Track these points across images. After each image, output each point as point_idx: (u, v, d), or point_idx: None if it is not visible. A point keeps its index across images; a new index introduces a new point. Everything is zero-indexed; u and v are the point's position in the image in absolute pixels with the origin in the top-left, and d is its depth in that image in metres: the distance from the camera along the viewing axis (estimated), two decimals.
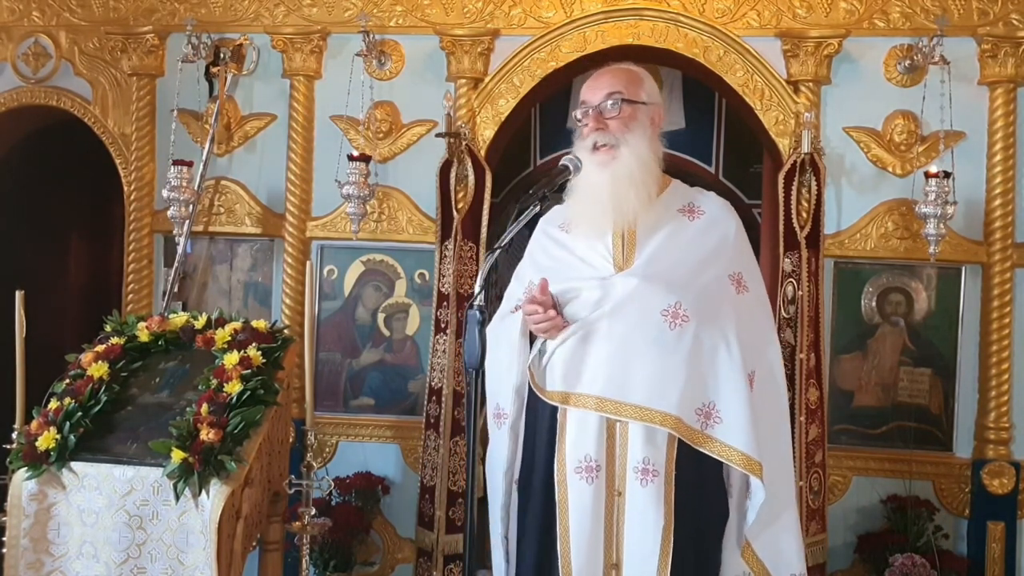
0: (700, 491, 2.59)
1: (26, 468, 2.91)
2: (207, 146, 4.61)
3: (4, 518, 2.97)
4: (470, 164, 4.44)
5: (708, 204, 2.76)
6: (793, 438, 4.10)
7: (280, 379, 3.14)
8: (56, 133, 5.24)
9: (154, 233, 4.84)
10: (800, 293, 4.16)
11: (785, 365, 4.12)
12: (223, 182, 4.77)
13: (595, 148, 2.63)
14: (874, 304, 4.43)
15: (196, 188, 4.55)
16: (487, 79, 4.54)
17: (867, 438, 4.41)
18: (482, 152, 4.49)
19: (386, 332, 4.70)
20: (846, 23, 4.35)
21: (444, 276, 4.43)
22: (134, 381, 3.17)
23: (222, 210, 4.77)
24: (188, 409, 2.95)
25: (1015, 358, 4.29)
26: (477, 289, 2.41)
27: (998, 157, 4.28)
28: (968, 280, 4.35)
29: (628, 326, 2.53)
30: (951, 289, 4.38)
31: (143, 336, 3.27)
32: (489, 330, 2.52)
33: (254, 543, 3.17)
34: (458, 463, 4.33)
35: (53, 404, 3.02)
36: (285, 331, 3.36)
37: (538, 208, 2.51)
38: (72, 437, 2.91)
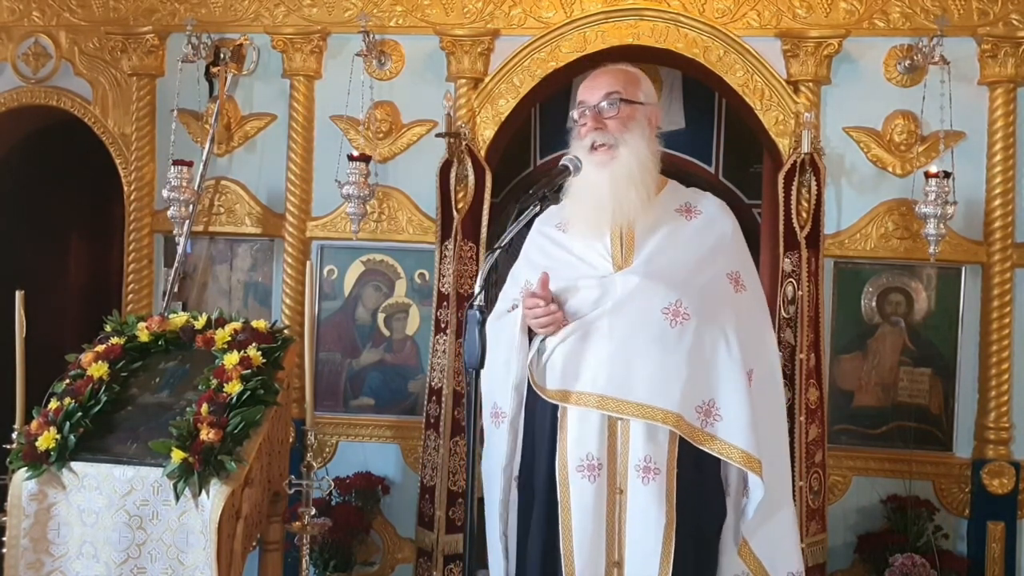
0: (699, 489, 2.60)
1: (26, 468, 2.91)
2: (207, 146, 4.61)
3: (4, 518, 2.97)
4: (470, 164, 4.44)
5: (705, 204, 2.78)
6: (793, 438, 4.10)
7: (280, 379, 3.15)
8: (56, 133, 5.24)
9: (154, 233, 4.84)
10: (800, 293, 4.16)
11: (785, 365, 4.17)
12: (223, 182, 4.77)
13: (593, 148, 2.64)
14: (874, 304, 4.43)
15: (196, 188, 4.56)
16: (487, 79, 4.54)
17: (867, 438, 4.41)
18: (482, 152, 4.49)
19: (386, 332, 4.70)
20: (846, 23, 4.35)
21: (444, 276, 4.44)
22: (134, 381, 3.17)
23: (222, 210, 4.77)
24: (188, 409, 2.95)
25: (1015, 358, 4.29)
26: (477, 289, 2.42)
27: (998, 157, 4.28)
28: (968, 280, 4.35)
29: (629, 324, 2.54)
30: (951, 289, 4.38)
31: (143, 336, 3.27)
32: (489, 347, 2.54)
33: (254, 543, 3.17)
34: (458, 463, 4.33)
35: (53, 404, 3.02)
36: (285, 331, 3.36)
37: (538, 208, 2.51)
38: (72, 437, 2.91)
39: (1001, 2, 4.26)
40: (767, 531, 2.67)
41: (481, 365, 2.36)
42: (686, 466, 2.57)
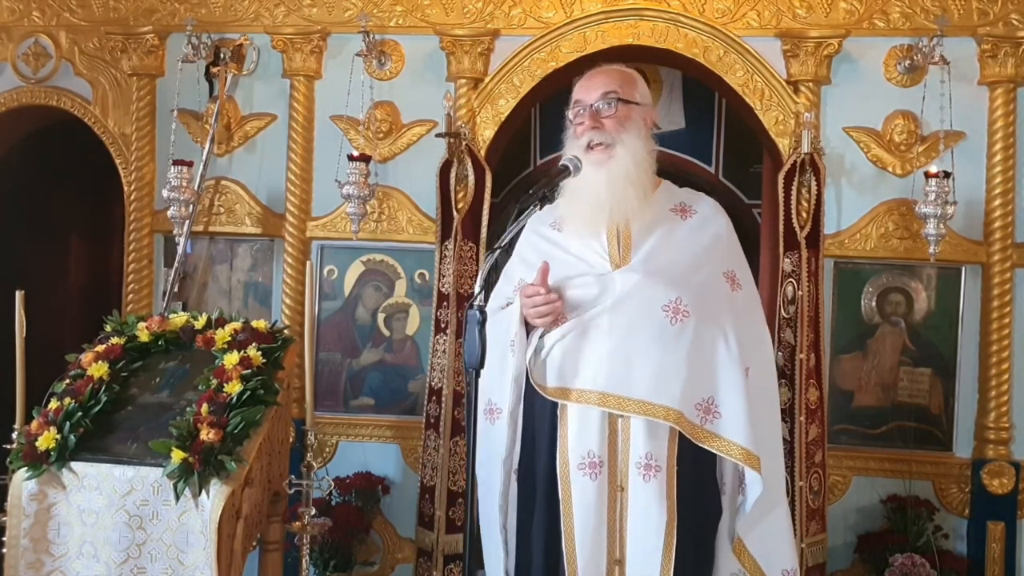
0: (697, 487, 2.62)
1: (26, 468, 2.91)
2: (207, 146, 4.61)
3: (4, 518, 2.97)
4: (470, 164, 4.44)
5: (699, 204, 2.81)
6: (793, 438, 4.11)
7: (280, 379, 3.15)
8: (56, 133, 5.23)
9: (154, 233, 4.84)
10: (800, 293, 4.16)
11: (785, 365, 4.17)
12: (223, 182, 4.77)
13: (590, 147, 2.65)
14: (874, 304, 4.43)
15: (196, 188, 4.56)
16: (487, 79, 4.54)
17: (867, 438, 4.41)
18: (482, 152, 4.49)
19: (386, 332, 4.70)
20: (846, 23, 4.35)
21: (444, 276, 4.44)
22: (134, 381, 3.17)
23: (222, 210, 4.77)
24: (188, 409, 2.95)
25: (1015, 358, 4.29)
26: (477, 289, 2.42)
27: (998, 157, 4.28)
28: (968, 280, 4.35)
29: (630, 321, 2.55)
30: (951, 289, 4.38)
31: (143, 336, 3.27)
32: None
33: (254, 543, 3.17)
34: (458, 463, 4.33)
35: (53, 404, 3.02)
36: (285, 331, 3.36)
37: (539, 208, 2.52)
38: (72, 437, 2.91)
39: (1001, 2, 4.26)
40: (762, 529, 2.68)
41: (481, 365, 2.36)
42: (685, 464, 2.58)
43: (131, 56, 4.81)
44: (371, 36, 4.51)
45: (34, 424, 2.98)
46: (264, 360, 3.11)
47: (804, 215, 4.22)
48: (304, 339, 3.33)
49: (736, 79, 4.40)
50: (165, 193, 4.53)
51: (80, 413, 2.97)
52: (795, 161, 4.22)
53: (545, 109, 5.59)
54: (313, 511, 3.27)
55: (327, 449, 4.64)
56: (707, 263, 2.68)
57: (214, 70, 4.69)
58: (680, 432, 2.55)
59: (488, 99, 4.54)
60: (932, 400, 4.38)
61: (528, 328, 2.65)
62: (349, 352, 4.71)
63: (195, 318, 3.32)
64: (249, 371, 3.03)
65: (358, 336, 4.71)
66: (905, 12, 4.33)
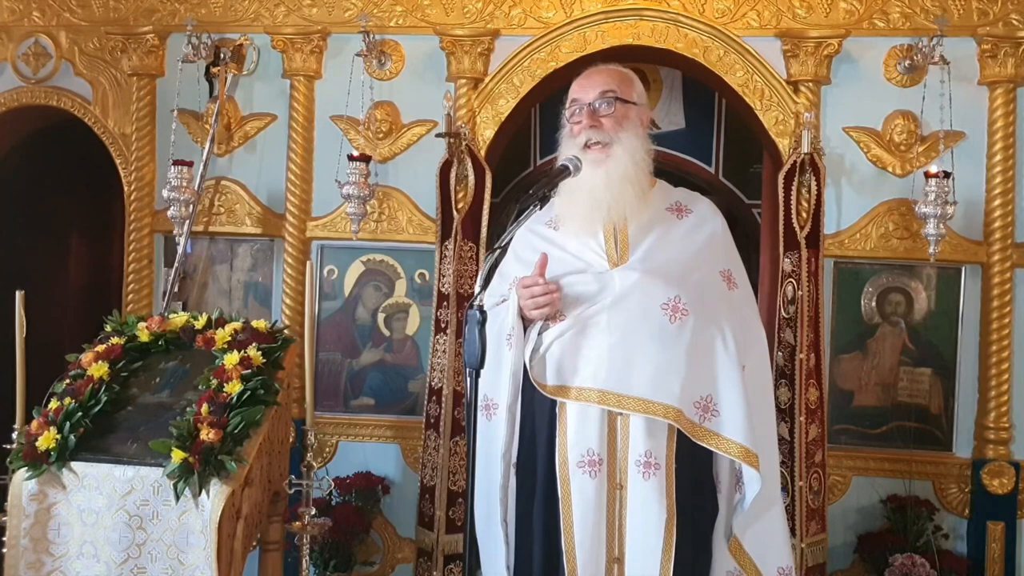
0: (695, 485, 2.62)
1: (26, 468, 2.91)
2: (207, 146, 4.61)
3: (4, 518, 2.97)
4: (470, 164, 4.44)
5: (695, 203, 2.82)
6: (793, 438, 4.11)
7: (280, 379, 3.14)
8: (56, 133, 5.23)
9: (154, 233, 4.85)
10: (800, 293, 4.16)
11: (785, 365, 4.17)
12: (223, 182, 4.78)
13: (587, 146, 2.65)
14: (874, 304, 4.43)
15: (196, 188, 4.56)
16: (487, 79, 4.54)
17: (867, 438, 4.41)
18: (482, 152, 4.49)
19: (386, 332, 4.70)
20: (846, 23, 4.35)
21: (444, 276, 4.44)
22: (134, 381, 3.17)
23: (222, 210, 4.77)
24: (188, 409, 2.95)
25: (1015, 358, 4.29)
26: (477, 289, 2.43)
27: (998, 157, 4.28)
28: (968, 280, 4.36)
29: (629, 319, 2.55)
30: (951, 289, 4.38)
31: (143, 336, 3.27)
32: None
33: (254, 543, 3.17)
34: (458, 463, 4.33)
35: (53, 404, 3.02)
36: (285, 331, 3.36)
37: (539, 208, 2.51)
38: (72, 437, 2.91)
39: (1001, 2, 4.26)
40: (759, 527, 2.69)
41: (481, 365, 2.35)
42: (682, 462, 2.58)
43: (131, 56, 4.81)
44: (371, 36, 4.52)
45: (34, 424, 2.97)
46: (264, 360, 3.10)
47: (804, 215, 4.22)
48: (304, 339, 3.33)
49: (736, 79, 4.40)
50: (165, 193, 4.53)
51: (80, 413, 2.97)
52: (795, 161, 4.22)
53: (545, 109, 5.59)
54: (313, 511, 3.27)
55: (327, 449, 4.64)
56: (704, 262, 2.69)
57: (214, 70, 4.70)
58: (679, 430, 2.55)
59: (488, 99, 4.54)
60: (932, 400, 4.38)
61: (524, 324, 2.64)
62: (349, 352, 4.71)
63: (195, 318, 3.32)
64: (249, 371, 3.03)
65: (358, 336, 4.71)
66: (905, 12, 4.33)
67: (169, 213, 4.56)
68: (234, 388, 2.96)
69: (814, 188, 4.21)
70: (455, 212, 4.43)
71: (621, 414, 2.56)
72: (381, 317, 4.70)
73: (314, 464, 3.27)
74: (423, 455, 4.42)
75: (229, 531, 2.84)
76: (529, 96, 4.57)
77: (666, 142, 5.56)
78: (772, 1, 4.39)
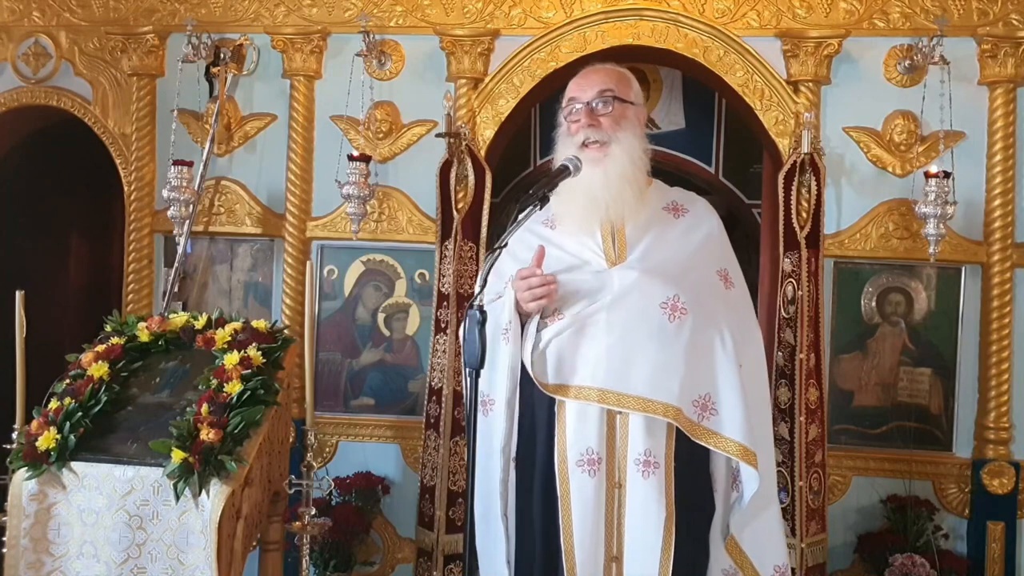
0: (693, 483, 2.62)
1: (26, 468, 2.91)
2: (207, 146, 4.61)
3: (4, 518, 2.97)
4: (470, 164, 4.44)
5: (691, 203, 2.83)
6: (793, 438, 4.11)
7: (280, 379, 3.14)
8: (56, 133, 5.24)
9: (154, 233, 4.85)
10: (800, 293, 4.16)
11: (785, 365, 4.18)
12: (223, 182, 4.78)
13: (585, 144, 2.65)
14: (874, 304, 4.43)
15: (196, 188, 4.56)
16: (487, 79, 4.54)
17: (867, 438, 4.41)
18: (482, 152, 4.49)
19: (386, 332, 4.70)
20: (846, 23, 4.35)
21: (444, 276, 4.44)
22: (134, 381, 3.17)
23: (222, 210, 4.77)
24: (188, 409, 2.95)
25: (1015, 358, 4.29)
26: (477, 289, 2.43)
27: (998, 157, 4.28)
28: (968, 280, 4.36)
29: (629, 318, 2.55)
30: (951, 289, 4.38)
31: (143, 336, 3.27)
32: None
33: (254, 543, 3.17)
34: (458, 463, 4.33)
35: (53, 404, 3.02)
36: (285, 331, 3.36)
37: (539, 208, 2.51)
38: (72, 437, 2.91)
39: (1001, 2, 4.26)
40: (756, 526, 2.70)
41: (481, 365, 2.36)
42: (680, 460, 2.59)
43: (131, 56, 4.81)
44: (371, 36, 4.52)
45: (34, 424, 2.97)
46: (264, 360, 3.10)
47: (804, 215, 4.22)
48: (304, 339, 3.33)
49: (736, 79, 4.40)
50: (165, 193, 4.53)
51: (80, 413, 2.97)
52: (795, 161, 4.22)
53: (545, 109, 5.59)
54: (313, 511, 3.27)
55: (327, 449, 4.64)
56: (701, 261, 2.70)
57: (214, 70, 4.70)
58: (678, 429, 2.56)
59: (488, 99, 4.54)
60: (932, 400, 4.38)
61: (521, 320, 2.64)
62: (349, 352, 4.71)
63: (195, 318, 3.32)
64: (249, 371, 3.03)
65: (358, 336, 4.71)
66: (905, 12, 4.33)
67: (169, 213, 4.56)
68: (234, 388, 2.96)
69: (814, 188, 4.21)
70: (455, 212, 4.43)
71: (620, 413, 2.56)
72: (381, 317, 4.70)
73: (314, 464, 3.27)
74: (423, 455, 4.42)
75: (229, 531, 2.84)
76: (529, 96, 4.57)
77: (666, 142, 5.56)
78: (772, 1, 4.39)
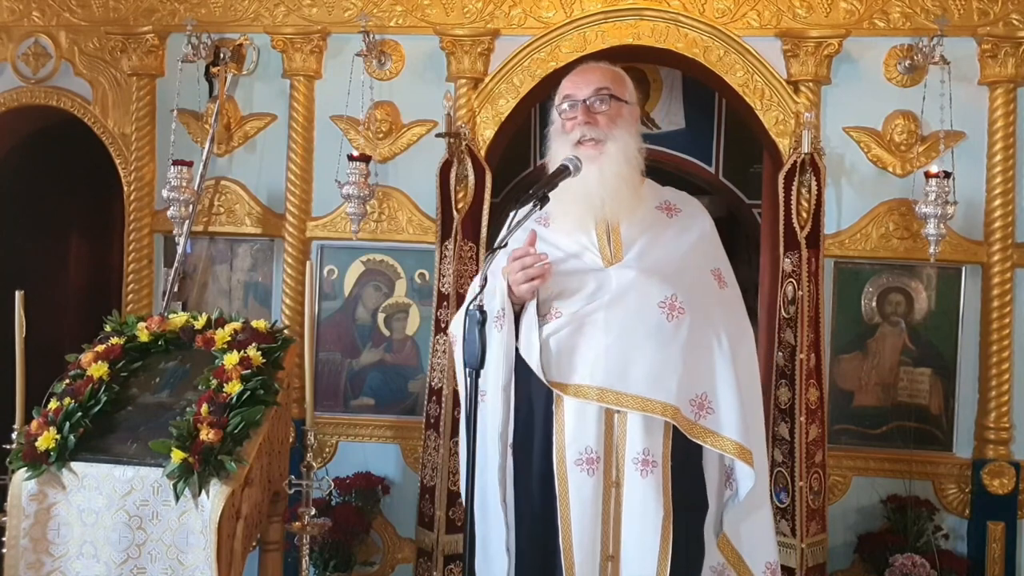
0: (689, 481, 2.63)
1: (26, 468, 2.90)
2: (207, 146, 4.61)
3: (4, 518, 2.96)
4: (470, 164, 4.44)
5: (683, 203, 2.84)
6: (793, 438, 4.11)
7: (280, 379, 3.14)
8: (56, 133, 5.24)
9: (154, 233, 4.85)
10: (800, 293, 4.16)
11: (785, 365, 4.17)
12: (223, 182, 4.77)
13: (580, 142, 2.64)
14: (874, 304, 4.43)
15: (196, 188, 4.56)
16: (487, 79, 4.54)
17: (867, 438, 4.41)
18: (482, 152, 4.49)
19: (386, 332, 4.70)
20: (846, 23, 4.35)
21: (444, 276, 4.43)
22: (134, 381, 3.16)
23: (222, 210, 4.77)
24: (188, 409, 2.95)
25: (1015, 358, 4.29)
26: (477, 289, 2.42)
27: (998, 157, 4.28)
28: (968, 280, 4.36)
29: (627, 317, 2.55)
30: (951, 289, 4.38)
31: (143, 336, 3.27)
32: (458, 314, 2.59)
33: (254, 543, 3.17)
34: (458, 463, 4.32)
35: (53, 404, 3.01)
36: (285, 331, 3.36)
37: (539, 208, 2.51)
38: (72, 437, 2.91)
39: (1001, 2, 4.26)
40: (748, 524, 2.72)
41: (481, 365, 2.35)
42: (677, 459, 2.60)
43: (131, 56, 4.81)
44: (371, 36, 4.51)
45: (34, 424, 2.97)
46: (264, 360, 3.10)
47: (804, 215, 4.22)
48: (304, 339, 3.33)
49: (736, 79, 4.40)
50: (165, 193, 4.53)
51: (80, 413, 2.97)
52: (795, 161, 4.22)
53: (545, 109, 5.58)
54: (313, 511, 3.27)
55: (327, 449, 4.64)
56: (696, 261, 2.71)
57: (214, 70, 4.70)
58: (674, 428, 2.56)
59: (488, 99, 4.54)
60: (932, 400, 4.38)
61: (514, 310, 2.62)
62: (349, 352, 4.71)
63: (195, 318, 3.32)
64: (249, 371, 3.03)
65: (358, 336, 4.71)
66: (905, 12, 4.33)
67: (169, 213, 4.56)
68: (234, 388, 2.96)
69: (814, 188, 4.21)
70: (455, 212, 4.43)
71: (618, 412, 2.57)
72: (381, 317, 4.70)
73: (314, 464, 3.27)
74: (423, 455, 4.42)
75: (229, 531, 2.84)
76: (529, 96, 4.57)
77: (666, 142, 5.56)
78: (772, 1, 4.39)
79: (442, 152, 4.48)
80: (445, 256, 4.45)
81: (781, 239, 4.27)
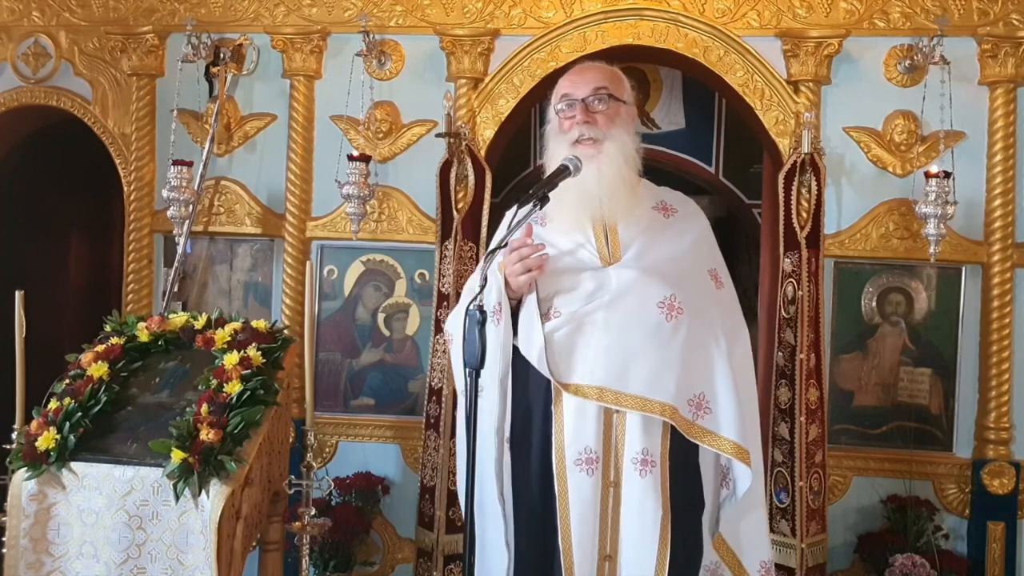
0: (686, 481, 2.64)
1: (26, 468, 2.90)
2: (207, 146, 4.61)
3: (4, 518, 2.96)
4: (470, 164, 4.44)
5: (679, 203, 2.84)
6: (793, 438, 4.11)
7: (280, 379, 3.14)
8: (56, 133, 5.24)
9: (154, 233, 4.85)
10: (800, 293, 4.16)
11: (785, 365, 4.17)
12: (223, 182, 4.77)
13: (578, 141, 2.64)
14: (874, 304, 4.43)
15: (196, 188, 4.56)
16: (487, 79, 4.54)
17: (867, 438, 4.41)
18: (482, 152, 4.49)
19: (386, 332, 4.70)
20: (846, 23, 4.35)
21: (444, 276, 4.43)
22: (134, 381, 3.16)
23: (222, 210, 4.77)
24: (188, 409, 2.95)
25: (1015, 358, 4.29)
26: (477, 289, 2.42)
27: (998, 157, 4.28)
28: (968, 280, 4.36)
29: (627, 317, 2.56)
30: (951, 289, 4.38)
31: (143, 336, 3.27)
32: (456, 310, 2.62)
33: (254, 543, 3.17)
34: (457, 463, 4.33)
35: (53, 404, 3.01)
36: (285, 331, 3.36)
37: (539, 208, 2.51)
38: (72, 437, 2.91)
39: (1001, 2, 4.26)
40: (745, 523, 2.73)
41: (481, 365, 2.36)
42: (676, 459, 2.60)
43: (131, 56, 4.81)
44: (371, 36, 4.51)
45: (34, 424, 2.97)
46: (264, 360, 3.10)
47: (804, 215, 4.22)
48: (304, 339, 3.33)
49: (736, 79, 4.40)
50: (165, 193, 4.53)
51: (80, 413, 2.97)
52: (795, 161, 4.22)
53: (545, 109, 5.58)
54: (313, 511, 3.27)
55: (327, 449, 4.64)
56: (694, 262, 2.72)
57: (214, 70, 4.70)
58: (672, 428, 2.57)
59: (488, 99, 4.54)
60: (932, 400, 4.38)
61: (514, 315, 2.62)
62: (349, 352, 4.71)
63: (195, 318, 3.32)
64: (249, 371, 3.03)
65: (358, 336, 4.71)
66: (905, 12, 4.33)
67: (169, 213, 4.56)
68: (234, 388, 2.96)
69: (814, 188, 4.21)
70: (455, 212, 4.42)
71: (617, 412, 2.57)
72: (381, 317, 4.70)
73: (314, 464, 3.27)
74: (423, 455, 4.42)
75: (229, 531, 2.84)
76: (529, 96, 4.57)
77: (666, 142, 5.56)
78: (772, 1, 4.39)
79: (442, 152, 4.48)
80: (445, 256, 4.45)
81: (781, 239, 4.27)
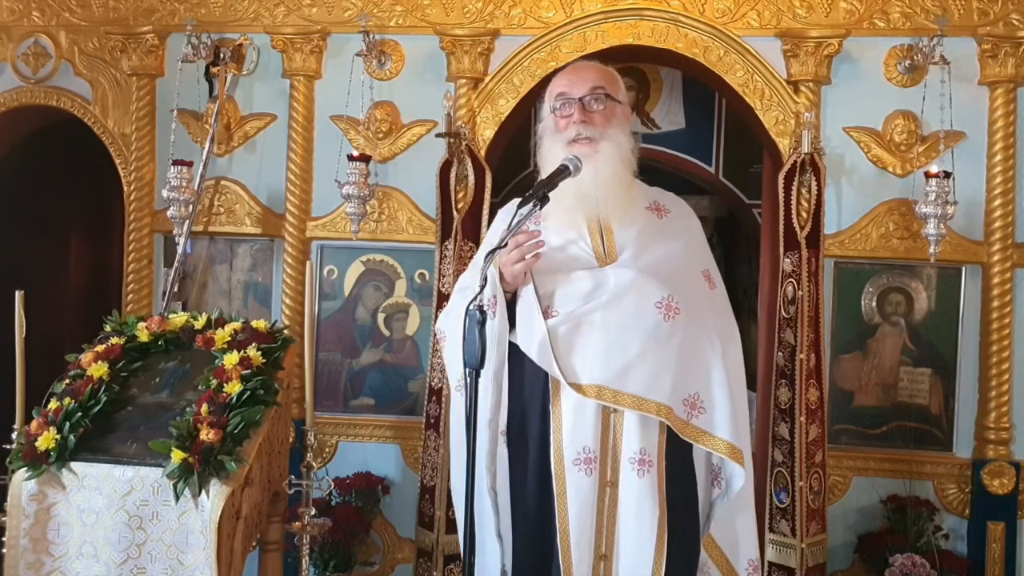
0: (681, 480, 2.65)
1: (26, 468, 2.90)
2: (207, 146, 4.61)
3: (4, 518, 2.96)
4: (470, 164, 4.44)
5: (672, 203, 2.86)
6: (793, 438, 4.11)
7: (280, 379, 3.14)
8: (56, 133, 5.24)
9: (154, 233, 4.85)
10: (800, 293, 4.16)
11: (785, 365, 4.17)
12: (223, 182, 4.77)
13: (575, 140, 2.64)
14: (874, 304, 4.43)
15: (196, 188, 4.56)
16: (487, 79, 4.54)
17: (867, 438, 4.41)
18: (482, 152, 4.49)
19: (386, 332, 4.70)
20: (846, 23, 4.35)
21: (444, 276, 4.44)
22: (134, 381, 3.16)
23: (222, 210, 4.77)
24: (188, 409, 2.95)
25: (1015, 358, 4.29)
26: (477, 289, 2.42)
27: (998, 157, 4.28)
28: (968, 280, 4.36)
29: (625, 317, 2.56)
30: (951, 289, 4.38)
31: (143, 336, 3.27)
32: (449, 308, 2.67)
33: (254, 543, 3.17)
34: None
35: (53, 404, 3.01)
36: (285, 331, 3.36)
37: (539, 208, 2.51)
38: (72, 437, 2.91)
39: (1001, 2, 4.26)
40: (735, 522, 2.74)
41: (481, 365, 2.36)
42: (672, 459, 2.61)
43: (131, 56, 4.81)
44: (371, 36, 4.51)
45: (34, 424, 2.97)
46: (264, 360, 3.10)
47: (804, 215, 4.22)
48: (304, 339, 3.33)
49: (736, 79, 4.40)
50: (165, 193, 4.53)
51: (80, 413, 2.97)
52: (795, 161, 4.22)
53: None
54: (313, 511, 3.27)
55: (327, 449, 4.64)
56: (688, 262, 2.73)
57: (214, 70, 4.70)
58: (668, 428, 2.58)
59: (488, 99, 4.54)
60: (932, 400, 4.38)
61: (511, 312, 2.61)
62: (349, 352, 4.71)
63: (195, 318, 3.32)
64: (249, 371, 3.03)
65: (358, 336, 4.71)
66: (905, 12, 4.33)
67: (169, 213, 4.56)
68: (234, 388, 2.96)
69: (814, 188, 4.21)
70: (455, 212, 4.43)
71: (615, 412, 2.58)
72: (381, 317, 4.70)
73: (314, 464, 3.27)
74: (423, 455, 4.42)
75: (229, 531, 2.84)
76: (529, 96, 4.56)
77: (666, 142, 5.56)
78: (772, 1, 4.39)
79: (442, 152, 4.48)
80: (445, 256, 4.45)
81: (781, 239, 4.27)
